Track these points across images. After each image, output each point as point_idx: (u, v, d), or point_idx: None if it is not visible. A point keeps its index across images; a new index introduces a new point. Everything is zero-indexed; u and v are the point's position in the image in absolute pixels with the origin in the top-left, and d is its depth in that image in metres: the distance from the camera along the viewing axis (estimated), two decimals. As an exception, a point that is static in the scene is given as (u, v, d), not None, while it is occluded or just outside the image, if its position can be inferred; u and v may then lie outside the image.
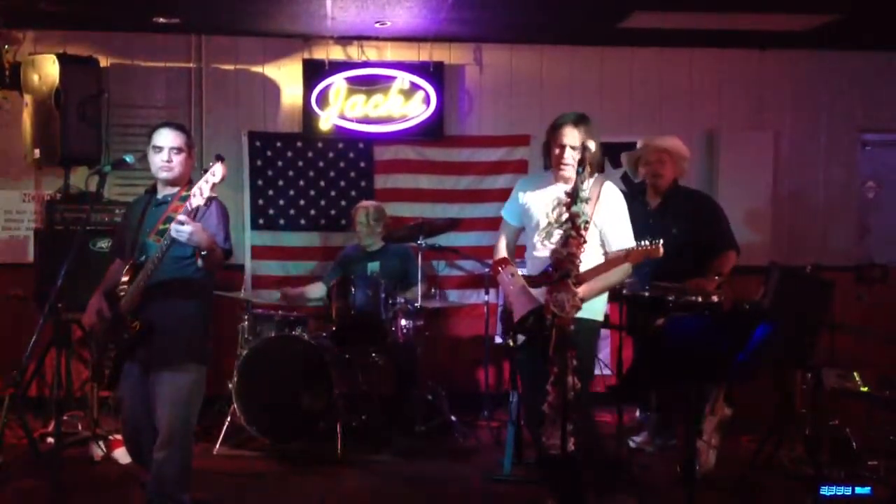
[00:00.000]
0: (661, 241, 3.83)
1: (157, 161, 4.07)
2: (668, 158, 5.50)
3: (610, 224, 4.10)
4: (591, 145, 3.95)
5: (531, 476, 4.93)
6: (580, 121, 4.08)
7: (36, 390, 6.20)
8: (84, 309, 4.16)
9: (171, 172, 4.08)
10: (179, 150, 4.08)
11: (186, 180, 4.14)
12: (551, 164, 4.17)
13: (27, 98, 6.17)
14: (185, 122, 6.76)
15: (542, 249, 4.14)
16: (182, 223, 3.70)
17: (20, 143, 6.38)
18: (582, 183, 3.82)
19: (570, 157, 4.04)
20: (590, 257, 3.98)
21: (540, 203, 4.21)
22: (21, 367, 5.20)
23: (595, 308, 4.11)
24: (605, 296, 4.20)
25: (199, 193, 3.72)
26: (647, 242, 3.86)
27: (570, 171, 4.05)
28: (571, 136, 4.04)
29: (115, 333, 4.01)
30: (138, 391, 4.08)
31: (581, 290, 3.80)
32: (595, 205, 4.03)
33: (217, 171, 3.75)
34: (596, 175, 4.11)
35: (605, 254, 4.12)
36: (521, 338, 4.08)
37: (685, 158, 5.61)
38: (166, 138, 4.08)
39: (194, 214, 3.76)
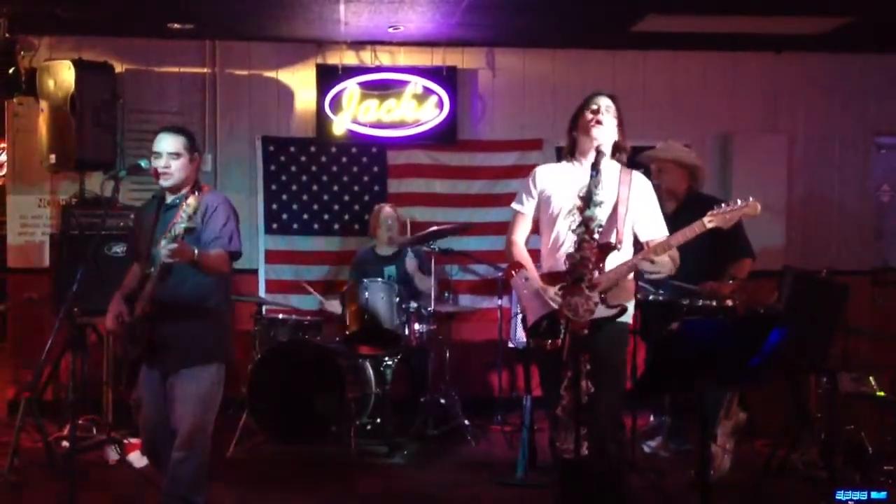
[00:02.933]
0: (752, 198, 3.61)
1: (157, 168, 4.07)
2: (669, 168, 5.47)
3: (643, 214, 3.95)
4: (604, 149, 3.82)
5: (544, 480, 4.92)
6: (613, 95, 3.92)
7: (52, 394, 6.23)
8: (100, 313, 4.18)
9: (169, 179, 4.05)
10: (177, 154, 4.04)
11: (191, 183, 4.12)
12: (579, 134, 3.90)
13: (43, 104, 6.20)
14: (199, 128, 6.83)
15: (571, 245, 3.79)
16: (170, 247, 3.69)
17: (36, 149, 6.41)
18: (596, 187, 3.77)
19: (607, 119, 3.84)
20: (627, 243, 3.89)
21: (566, 192, 3.90)
22: (37, 371, 5.25)
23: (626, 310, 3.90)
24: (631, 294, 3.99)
25: (181, 221, 3.68)
26: (730, 203, 3.64)
27: (602, 134, 3.83)
28: (606, 100, 3.89)
29: (133, 339, 4.05)
30: (157, 394, 4.10)
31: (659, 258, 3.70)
32: (629, 190, 3.87)
33: (191, 203, 3.70)
34: (622, 166, 3.95)
35: (636, 243, 3.96)
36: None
37: (693, 167, 5.52)
38: (164, 143, 4.05)
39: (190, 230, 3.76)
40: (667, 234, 3.94)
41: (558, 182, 4.00)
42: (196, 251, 3.81)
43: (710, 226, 3.68)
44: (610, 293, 3.74)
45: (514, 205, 4.18)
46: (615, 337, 3.82)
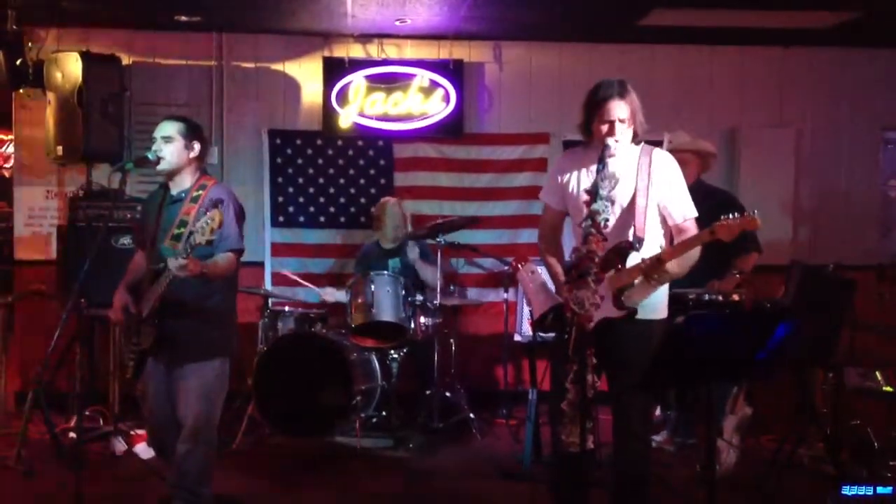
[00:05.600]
0: (757, 212, 3.43)
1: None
2: (691, 159, 5.45)
3: (669, 195, 3.79)
4: (612, 143, 3.71)
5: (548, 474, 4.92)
6: (624, 91, 3.70)
7: (59, 385, 6.24)
8: (107, 305, 4.19)
9: (161, 163, 4.07)
10: (169, 139, 4.07)
11: (189, 171, 4.14)
12: (594, 138, 3.76)
13: (50, 96, 6.20)
14: (206, 120, 6.82)
15: None
16: (180, 263, 3.75)
17: (43, 141, 6.41)
18: (602, 181, 3.75)
19: (621, 133, 3.70)
20: (651, 236, 3.75)
21: (585, 181, 3.80)
22: (44, 362, 5.26)
23: (653, 306, 3.78)
24: (665, 290, 3.85)
25: (201, 233, 3.73)
26: (737, 214, 3.44)
27: (615, 143, 3.70)
28: (620, 109, 3.69)
29: (139, 332, 4.07)
30: (162, 386, 4.12)
31: (670, 268, 3.58)
32: (648, 176, 3.74)
33: (215, 217, 3.75)
34: (642, 144, 3.82)
35: (667, 231, 3.85)
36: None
37: (712, 155, 5.56)
38: (158, 129, 4.12)
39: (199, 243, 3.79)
40: (695, 214, 3.81)
41: (579, 174, 3.87)
42: (203, 266, 3.85)
43: (712, 237, 3.53)
44: (632, 291, 3.65)
45: (540, 195, 4.12)
46: (634, 336, 3.69)
